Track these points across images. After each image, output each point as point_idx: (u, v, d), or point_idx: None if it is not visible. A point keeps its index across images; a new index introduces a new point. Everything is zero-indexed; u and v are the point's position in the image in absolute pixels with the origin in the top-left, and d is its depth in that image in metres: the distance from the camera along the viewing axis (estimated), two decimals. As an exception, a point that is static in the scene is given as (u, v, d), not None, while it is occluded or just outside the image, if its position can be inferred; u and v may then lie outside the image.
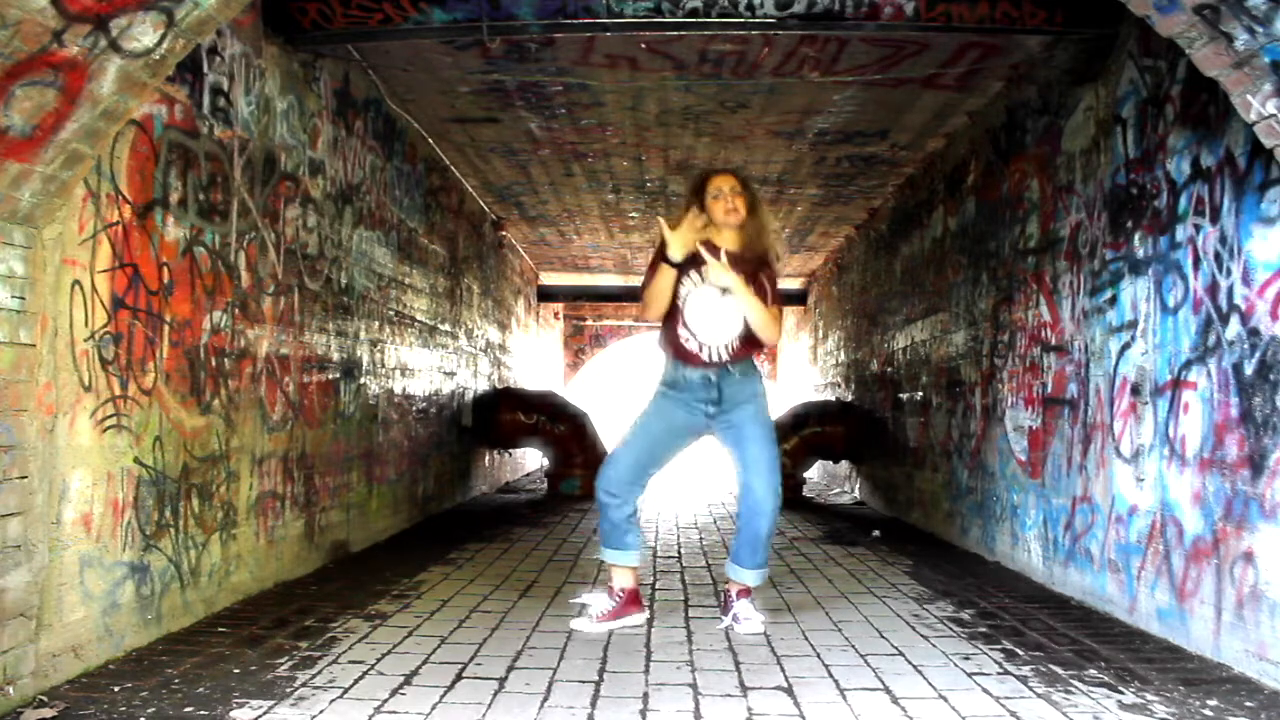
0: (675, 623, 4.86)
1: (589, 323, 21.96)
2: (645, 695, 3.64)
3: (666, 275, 4.82)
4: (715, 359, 4.81)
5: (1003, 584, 5.98)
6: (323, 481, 6.29)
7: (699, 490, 12.61)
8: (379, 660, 4.05)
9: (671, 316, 4.88)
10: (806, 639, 4.54)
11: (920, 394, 9.10)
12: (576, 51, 6.48)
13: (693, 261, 4.81)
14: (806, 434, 11.53)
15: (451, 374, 10.23)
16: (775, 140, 8.51)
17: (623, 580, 4.86)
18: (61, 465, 3.66)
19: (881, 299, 10.89)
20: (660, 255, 4.86)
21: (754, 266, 4.85)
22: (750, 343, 4.87)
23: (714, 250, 4.85)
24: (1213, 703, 3.63)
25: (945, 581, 6.04)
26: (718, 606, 5.20)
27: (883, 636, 4.60)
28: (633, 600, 4.85)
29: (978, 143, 7.55)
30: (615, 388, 28.16)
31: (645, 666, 4.05)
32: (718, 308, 4.80)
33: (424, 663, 4.04)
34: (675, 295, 4.85)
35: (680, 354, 4.86)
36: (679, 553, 7.17)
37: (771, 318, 4.85)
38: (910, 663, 4.14)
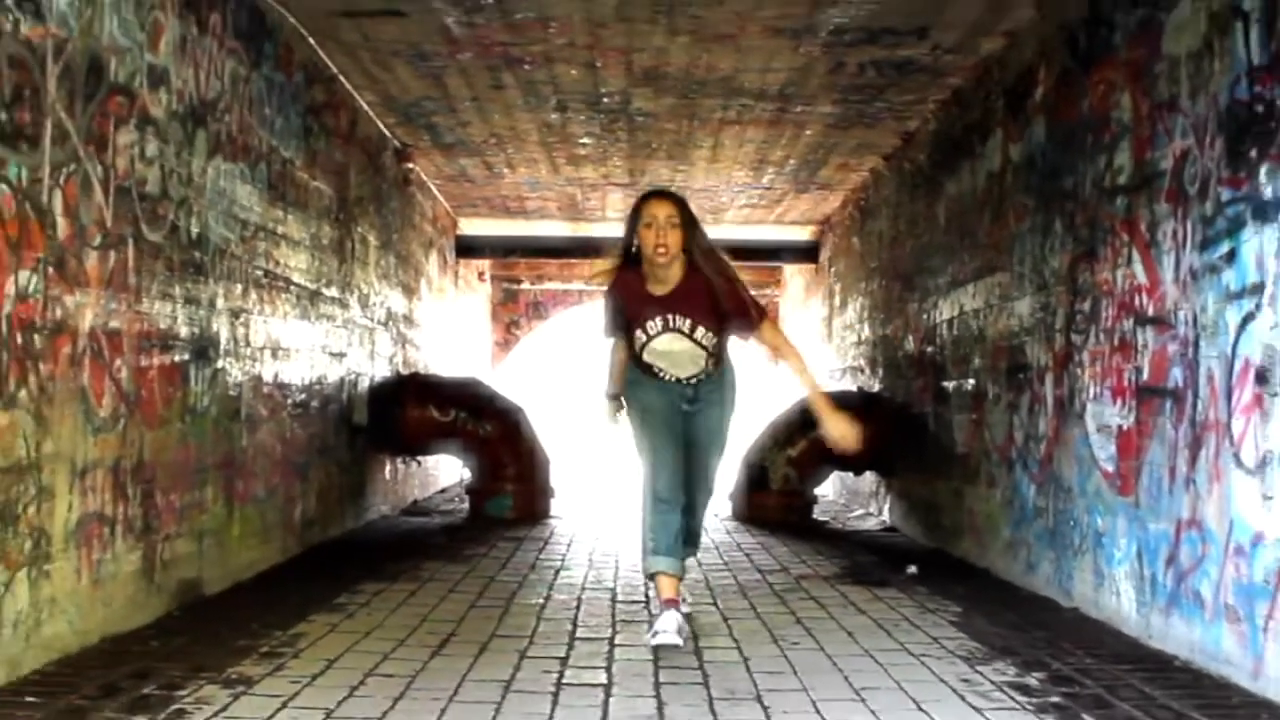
0: (642, 690, 4.87)
1: (525, 286, 21.88)
2: (606, 789, 3.65)
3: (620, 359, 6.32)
4: (688, 379, 6.10)
5: (1083, 638, 6.03)
6: (166, 500, 6.26)
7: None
8: (245, 743, 4.05)
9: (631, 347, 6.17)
10: (819, 713, 4.56)
11: (972, 382, 9.15)
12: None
13: (636, 301, 6.02)
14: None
15: (340, 355, 10.20)
16: (776, 40, 8.51)
17: (668, 591, 5.85)
18: None
19: (919, 255, 10.94)
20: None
21: (706, 293, 5.95)
22: (721, 354, 6.13)
23: (645, 294, 5.98)
24: (1361, 793, 3.68)
25: (1005, 635, 6.09)
26: (697, 668, 5.24)
27: (920, 709, 4.63)
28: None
29: (1049, 44, 7.58)
30: (562, 373, 27.99)
31: (606, 749, 4.05)
32: (681, 350, 6.01)
33: (306, 746, 4.04)
34: (631, 343, 6.09)
35: (651, 374, 6.13)
36: (646, 597, 7.18)
37: (783, 343, 6.47)
38: (960, 742, 4.17)
